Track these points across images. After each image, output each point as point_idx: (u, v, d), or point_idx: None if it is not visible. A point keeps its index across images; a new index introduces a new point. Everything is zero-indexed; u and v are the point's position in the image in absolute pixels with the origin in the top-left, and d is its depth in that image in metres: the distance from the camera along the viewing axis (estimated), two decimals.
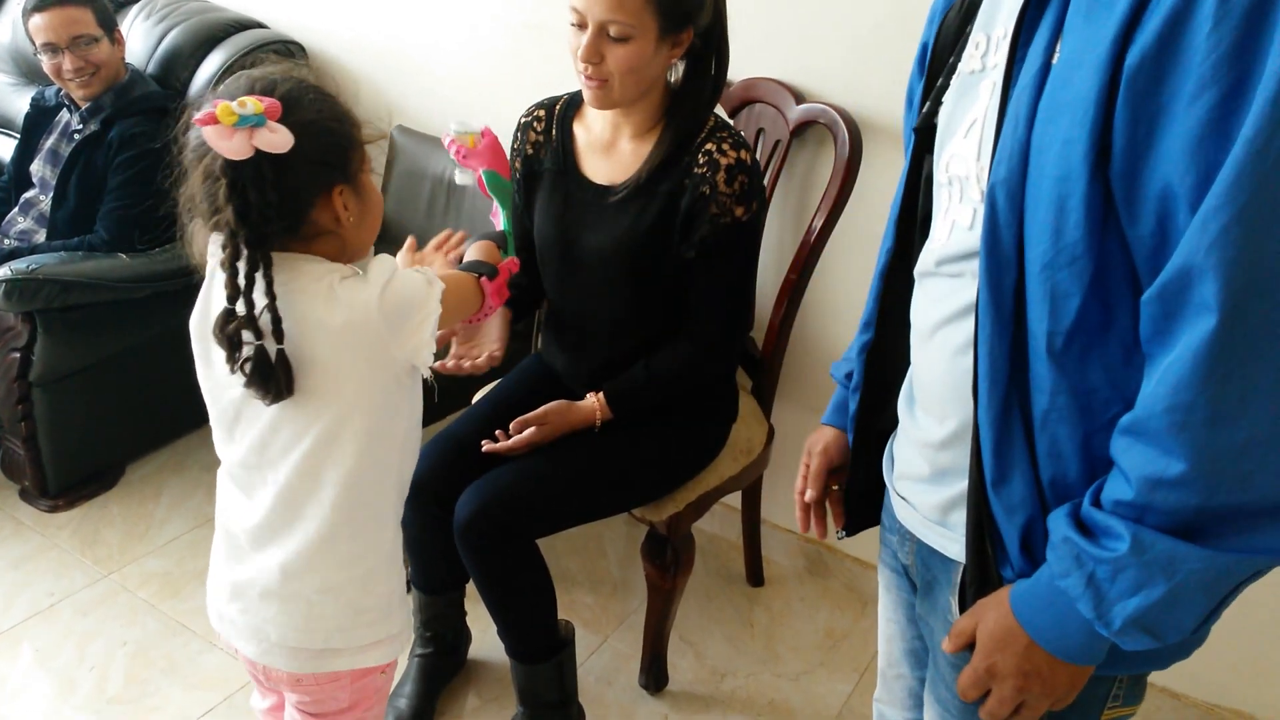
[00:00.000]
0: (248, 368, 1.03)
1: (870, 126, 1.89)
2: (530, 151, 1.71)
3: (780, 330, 1.97)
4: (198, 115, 0.96)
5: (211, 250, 1.10)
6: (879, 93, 1.87)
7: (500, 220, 1.27)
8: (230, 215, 0.98)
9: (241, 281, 1.01)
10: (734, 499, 2.14)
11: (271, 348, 1.03)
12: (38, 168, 2.39)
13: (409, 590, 1.86)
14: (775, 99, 1.96)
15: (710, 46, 1.55)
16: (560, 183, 1.67)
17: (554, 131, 1.69)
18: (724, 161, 1.54)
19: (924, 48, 1.01)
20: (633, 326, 1.68)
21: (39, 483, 2.27)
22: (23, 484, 2.30)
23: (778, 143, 1.97)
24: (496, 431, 1.67)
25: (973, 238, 0.85)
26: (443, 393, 2.06)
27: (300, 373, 1.05)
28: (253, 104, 0.95)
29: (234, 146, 0.95)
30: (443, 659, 1.88)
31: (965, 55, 0.91)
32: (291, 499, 1.12)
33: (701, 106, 1.59)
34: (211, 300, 1.10)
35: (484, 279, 1.29)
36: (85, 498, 2.34)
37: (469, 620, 1.93)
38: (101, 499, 2.35)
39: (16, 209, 2.41)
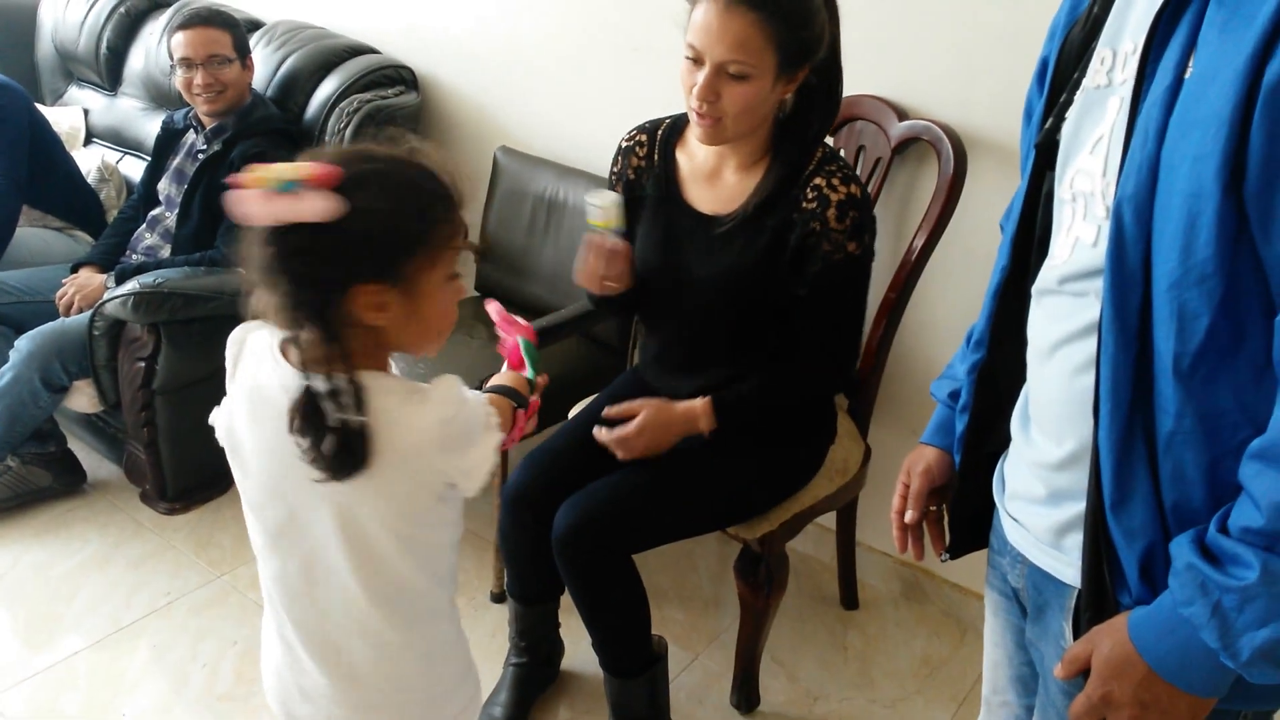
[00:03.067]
0: (327, 447, 0.94)
1: (975, 143, 1.86)
2: (632, 176, 1.72)
3: (878, 350, 1.95)
4: (237, 177, 0.90)
5: (240, 338, 1.08)
6: (985, 109, 1.84)
7: (527, 369, 1.32)
8: (287, 283, 0.92)
9: (315, 352, 0.94)
10: (828, 519, 2.12)
11: (354, 419, 0.95)
12: (164, 186, 2.52)
13: (504, 598, 1.89)
14: (877, 116, 1.95)
15: (824, 81, 1.54)
16: (662, 209, 1.68)
17: (656, 157, 1.69)
18: (834, 198, 1.53)
19: (1044, 63, 0.99)
20: (737, 353, 1.68)
21: (159, 486, 2.38)
22: (144, 487, 2.42)
23: (879, 160, 1.95)
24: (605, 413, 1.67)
25: (1096, 255, 0.84)
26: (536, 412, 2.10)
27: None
28: (291, 171, 0.88)
29: (272, 212, 0.88)
30: (536, 669, 1.90)
31: (1090, 70, 0.89)
32: (346, 623, 1.08)
33: (810, 140, 1.57)
34: (261, 391, 1.02)
35: (518, 410, 1.24)
36: (200, 502, 2.44)
37: (563, 632, 1.95)
38: (215, 503, 2.45)
39: (144, 225, 2.55)
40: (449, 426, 0.99)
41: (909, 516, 1.18)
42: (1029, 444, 0.97)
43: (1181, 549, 0.78)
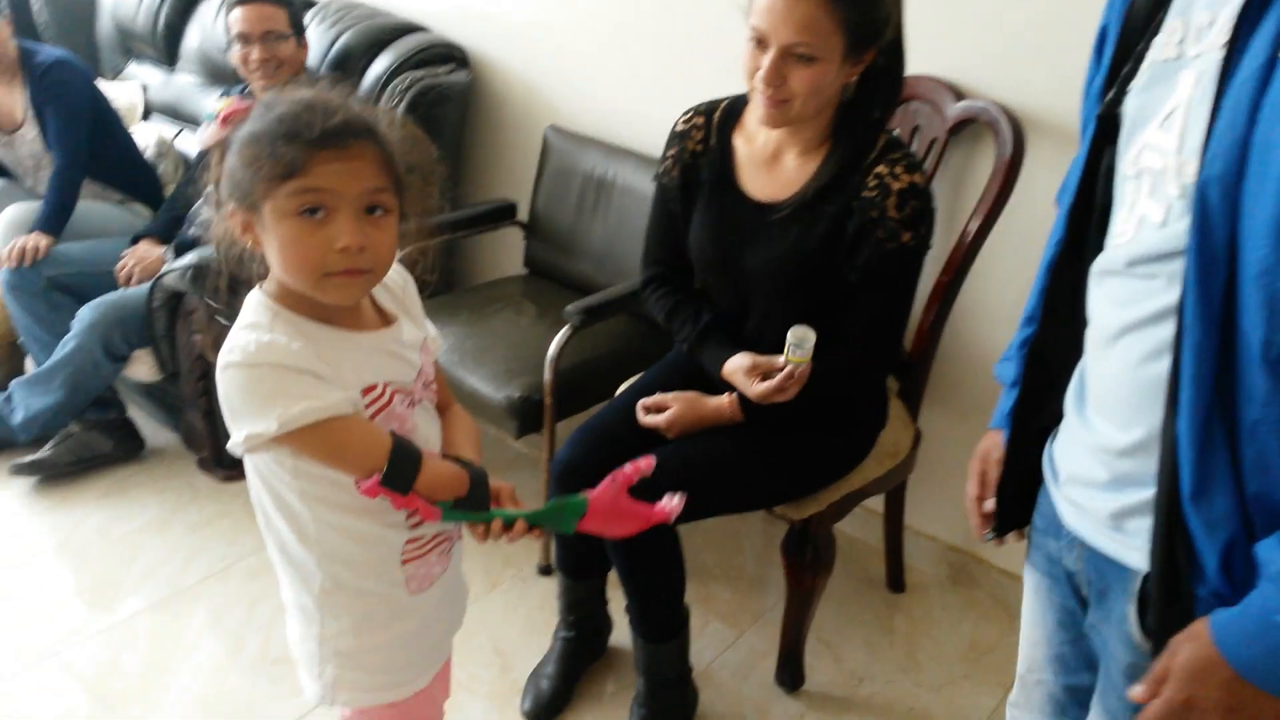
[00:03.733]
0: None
1: (1034, 124, 1.83)
2: (689, 160, 1.69)
3: (930, 333, 1.93)
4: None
5: None
6: (1044, 88, 1.81)
7: (524, 507, 1.11)
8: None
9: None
10: (876, 502, 2.11)
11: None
12: None
13: (551, 571, 1.91)
14: (933, 95, 1.92)
15: (888, 64, 1.52)
16: (716, 195, 1.66)
17: (712, 141, 1.67)
18: (896, 186, 1.50)
19: (1103, 32, 0.96)
20: (786, 336, 1.67)
21: (215, 454, 2.43)
22: (201, 454, 2.47)
23: (934, 141, 1.93)
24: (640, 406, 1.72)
25: (1164, 236, 0.82)
26: (583, 389, 2.11)
27: None
28: (218, 105, 1.03)
29: (197, 137, 1.07)
30: (584, 643, 1.92)
31: (1158, 42, 0.86)
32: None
33: (873, 125, 1.55)
34: None
35: (380, 477, 1.01)
36: None
37: (611, 608, 1.96)
38: None
39: (201, 199, 2.59)
40: (225, 372, 0.99)
41: (988, 505, 1.15)
42: (1087, 427, 0.95)
43: (1273, 553, 0.76)
